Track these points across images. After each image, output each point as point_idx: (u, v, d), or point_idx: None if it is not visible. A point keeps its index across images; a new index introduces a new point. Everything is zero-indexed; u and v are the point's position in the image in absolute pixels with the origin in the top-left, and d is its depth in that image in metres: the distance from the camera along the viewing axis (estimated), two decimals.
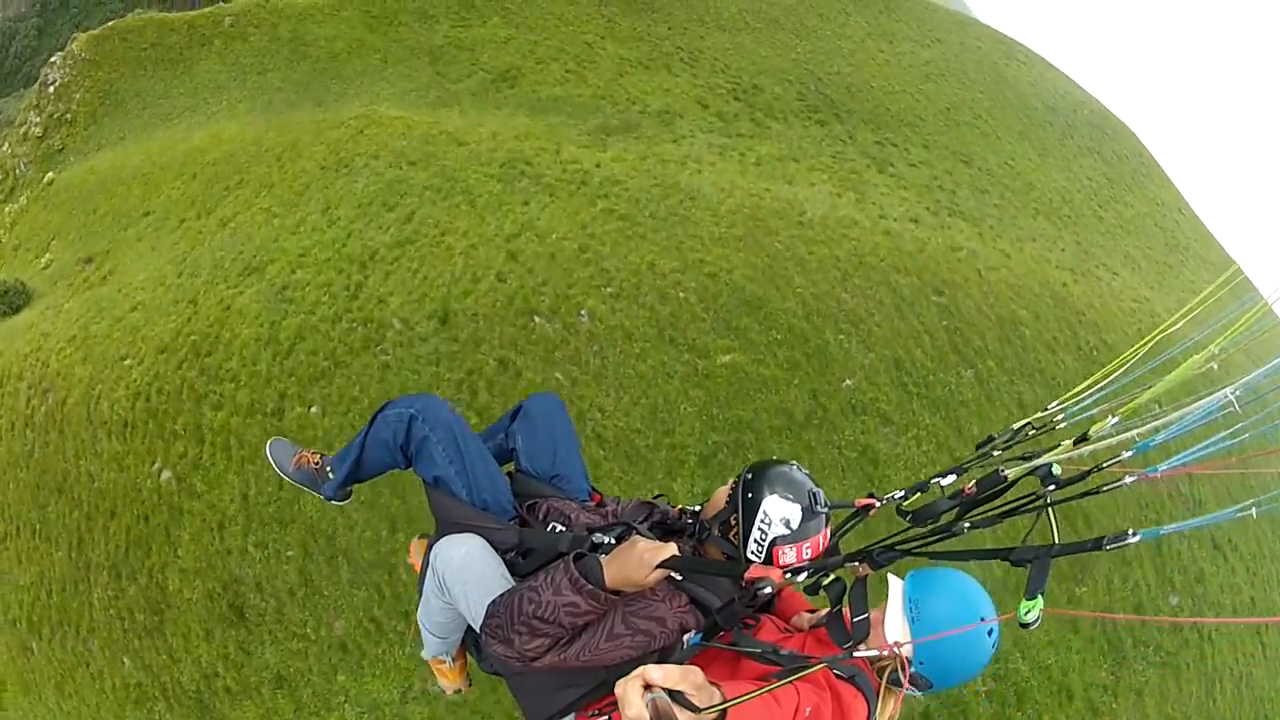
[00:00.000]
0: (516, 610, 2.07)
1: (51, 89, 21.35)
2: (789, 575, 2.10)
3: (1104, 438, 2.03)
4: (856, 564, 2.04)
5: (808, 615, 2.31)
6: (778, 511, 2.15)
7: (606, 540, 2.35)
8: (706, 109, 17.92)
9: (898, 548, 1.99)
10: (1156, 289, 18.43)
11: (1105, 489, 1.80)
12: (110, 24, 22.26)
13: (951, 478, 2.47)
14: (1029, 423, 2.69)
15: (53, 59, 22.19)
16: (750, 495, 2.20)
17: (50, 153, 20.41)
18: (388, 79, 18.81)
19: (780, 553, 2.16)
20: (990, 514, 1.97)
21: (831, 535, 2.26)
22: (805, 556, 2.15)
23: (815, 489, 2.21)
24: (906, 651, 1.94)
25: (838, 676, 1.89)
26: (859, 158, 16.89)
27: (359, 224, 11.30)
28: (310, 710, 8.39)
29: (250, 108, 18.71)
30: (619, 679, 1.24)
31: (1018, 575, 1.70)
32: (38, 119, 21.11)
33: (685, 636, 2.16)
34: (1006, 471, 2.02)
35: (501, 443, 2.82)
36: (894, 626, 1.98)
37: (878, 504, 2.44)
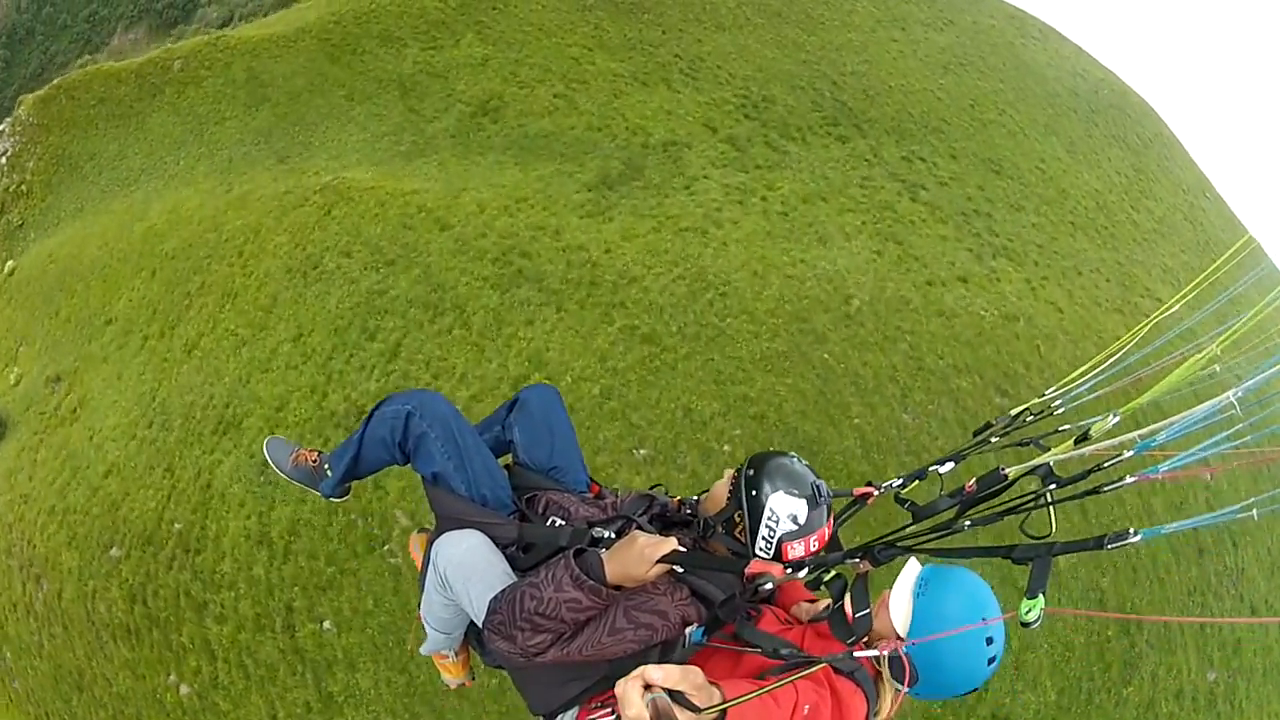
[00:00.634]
0: (519, 607, 1.91)
1: (3, 160, 18.55)
2: (790, 571, 1.96)
3: (1105, 437, 1.92)
4: (858, 560, 1.91)
5: (806, 605, 2.13)
6: (785, 509, 2.01)
7: (606, 535, 2.18)
8: (715, 133, 15.15)
9: (899, 544, 1.90)
10: (1196, 305, 16.22)
11: (1106, 489, 1.69)
12: (55, 82, 18.97)
13: (950, 465, 2.37)
14: (1026, 408, 2.60)
15: (0, 126, 19.43)
16: (754, 493, 2.05)
17: (10, 230, 17.68)
18: (355, 119, 15.93)
19: (789, 548, 2.02)
20: (990, 512, 1.88)
21: (834, 523, 2.11)
22: (813, 549, 2.03)
23: (817, 480, 2.07)
24: (902, 625, 1.77)
25: (837, 672, 1.73)
26: (888, 182, 14.31)
27: (338, 360, 9.03)
28: None
29: (209, 167, 15.94)
30: (623, 672, 1.20)
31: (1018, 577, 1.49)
32: None
33: (687, 630, 2.00)
34: (1007, 470, 1.91)
35: (499, 434, 2.64)
36: (900, 600, 1.81)
37: (876, 492, 2.36)
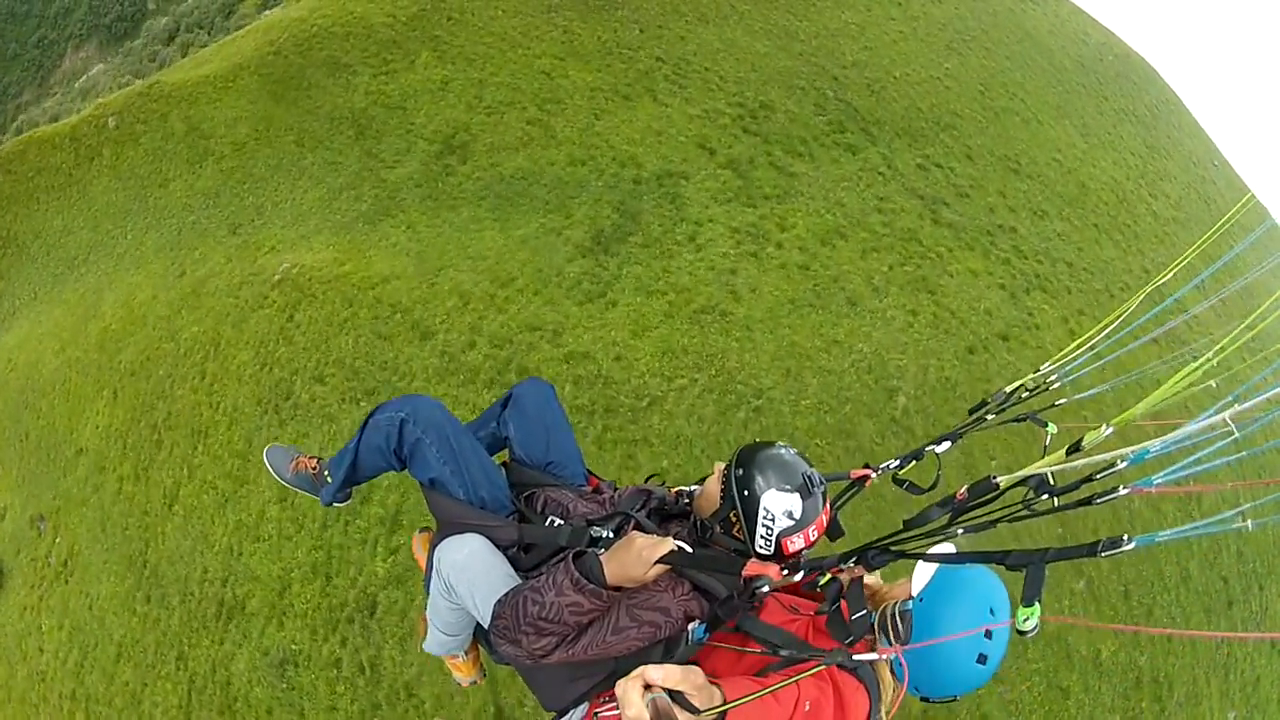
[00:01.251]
0: (521, 612, 1.83)
1: None
2: (786, 573, 1.81)
3: (1097, 448, 1.84)
4: (851, 564, 1.78)
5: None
6: (779, 505, 1.89)
7: (605, 534, 2.07)
8: (713, 155, 12.87)
9: (893, 549, 1.78)
10: (1221, 315, 14.69)
11: (1099, 500, 1.54)
12: None
13: (946, 444, 2.30)
14: (1022, 384, 2.53)
15: None
16: (746, 493, 1.92)
17: None
18: (308, 171, 13.42)
19: (789, 543, 1.91)
20: (982, 519, 1.74)
21: (830, 508, 2.00)
22: (813, 539, 1.95)
23: (809, 470, 1.94)
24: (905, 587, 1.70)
25: (840, 667, 1.61)
26: (907, 201, 12.28)
27: (334, 530, 7.35)
28: None
29: (157, 241, 13.55)
30: (629, 668, 1.15)
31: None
32: None
33: (690, 626, 1.86)
34: (998, 479, 1.83)
35: (494, 430, 2.51)
36: (921, 577, 1.68)
37: (874, 474, 2.30)
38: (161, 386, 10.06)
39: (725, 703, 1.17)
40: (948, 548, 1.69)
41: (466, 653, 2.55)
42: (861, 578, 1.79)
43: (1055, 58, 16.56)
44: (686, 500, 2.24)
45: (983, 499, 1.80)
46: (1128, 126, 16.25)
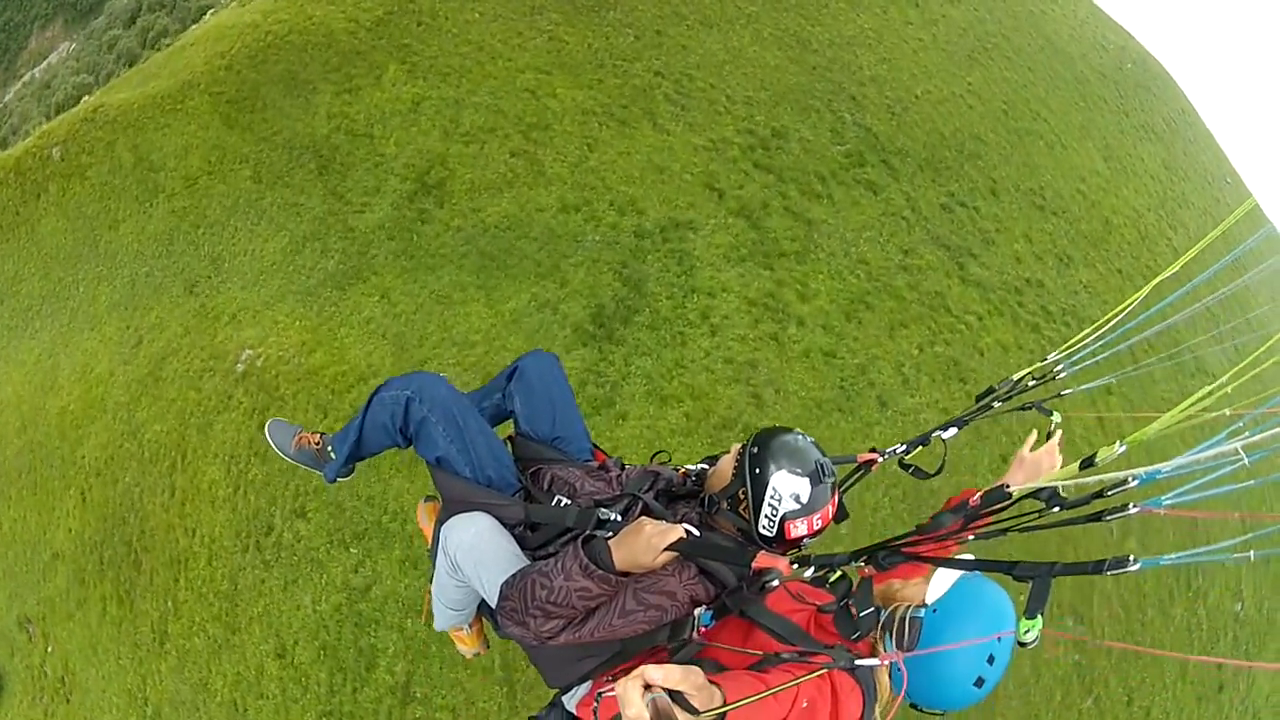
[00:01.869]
0: (529, 596, 1.76)
1: None
2: (796, 567, 1.75)
3: (1110, 464, 1.68)
4: (860, 564, 1.74)
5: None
6: (787, 487, 1.85)
7: (613, 516, 1.97)
8: (722, 198, 10.99)
9: (904, 551, 1.71)
10: (1221, 317, 13.56)
11: (1109, 517, 1.45)
12: None
13: (953, 430, 2.27)
14: (1029, 373, 2.43)
15: None
16: (758, 471, 1.87)
17: None
18: (268, 214, 11.20)
19: (792, 526, 1.87)
20: (995, 527, 1.66)
21: (838, 493, 1.91)
22: (816, 527, 1.89)
23: (821, 458, 1.88)
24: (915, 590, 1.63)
25: (839, 667, 1.50)
26: (931, 252, 10.69)
27: (342, 695, 6.08)
28: None
29: (110, 296, 11.52)
30: (636, 649, 1.18)
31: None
32: None
33: (697, 612, 1.79)
34: (1011, 488, 1.70)
35: (499, 403, 2.39)
36: (939, 586, 1.57)
37: (880, 458, 2.23)
38: (130, 496, 8.66)
39: (726, 703, 1.13)
40: (947, 575, 1.60)
41: (470, 625, 2.46)
42: (871, 578, 1.71)
43: (1076, 67, 14.38)
44: (694, 481, 2.15)
45: (995, 507, 1.71)
46: (1148, 146, 14.46)
